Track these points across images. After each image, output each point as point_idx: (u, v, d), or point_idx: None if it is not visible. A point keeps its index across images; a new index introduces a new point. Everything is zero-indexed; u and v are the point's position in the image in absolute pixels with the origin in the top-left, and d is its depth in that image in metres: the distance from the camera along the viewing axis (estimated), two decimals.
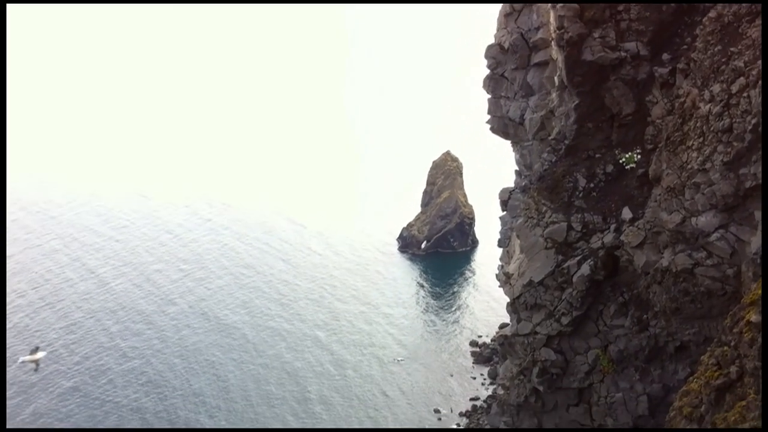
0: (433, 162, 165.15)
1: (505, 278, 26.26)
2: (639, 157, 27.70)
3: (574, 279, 24.11)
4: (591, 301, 24.14)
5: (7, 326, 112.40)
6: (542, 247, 25.52)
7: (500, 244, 32.75)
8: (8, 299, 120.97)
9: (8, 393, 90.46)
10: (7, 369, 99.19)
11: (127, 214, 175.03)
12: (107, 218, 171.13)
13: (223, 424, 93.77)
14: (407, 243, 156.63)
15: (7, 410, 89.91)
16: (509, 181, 38.41)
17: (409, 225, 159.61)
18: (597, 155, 27.88)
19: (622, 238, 24.62)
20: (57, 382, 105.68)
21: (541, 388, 22.46)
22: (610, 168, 27.33)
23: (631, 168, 27.58)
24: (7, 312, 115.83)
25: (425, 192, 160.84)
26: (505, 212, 33.32)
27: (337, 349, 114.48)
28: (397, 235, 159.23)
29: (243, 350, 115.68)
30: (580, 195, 26.63)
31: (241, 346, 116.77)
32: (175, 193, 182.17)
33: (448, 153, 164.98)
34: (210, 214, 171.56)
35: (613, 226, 25.27)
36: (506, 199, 33.07)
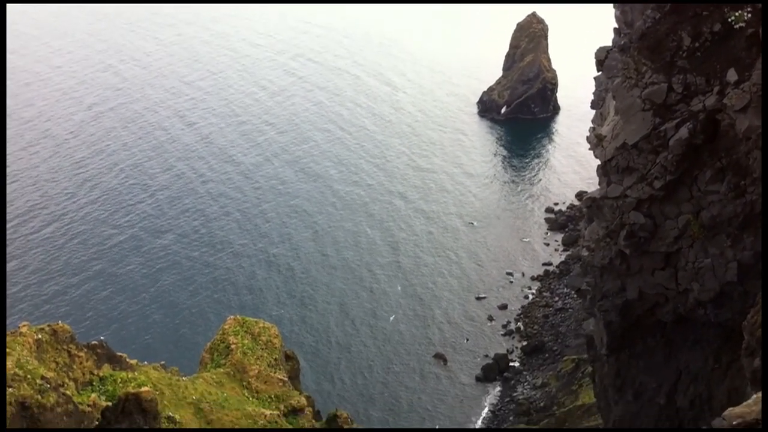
0: (518, 24, 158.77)
1: (596, 140, 25.63)
2: (749, 16, 26.03)
3: (671, 142, 23.36)
4: (686, 166, 23.46)
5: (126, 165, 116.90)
6: (639, 108, 24.64)
7: (593, 105, 31.79)
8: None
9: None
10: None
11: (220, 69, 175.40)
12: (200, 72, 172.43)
13: (300, 276, 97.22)
14: (487, 107, 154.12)
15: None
16: (596, 45, 36.99)
17: (490, 89, 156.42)
18: (704, 13, 26.29)
19: (725, 101, 23.51)
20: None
21: (627, 251, 22.33)
22: (717, 27, 25.81)
23: (740, 28, 26.00)
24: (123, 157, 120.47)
25: (508, 55, 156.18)
26: (600, 72, 32.12)
27: (417, 213, 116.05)
28: (477, 99, 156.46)
29: (330, 204, 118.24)
30: (684, 55, 25.35)
31: (328, 200, 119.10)
32: (270, 49, 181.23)
33: (533, 14, 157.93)
34: (303, 72, 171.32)
35: (716, 89, 24.12)
36: (603, 59, 31.75)
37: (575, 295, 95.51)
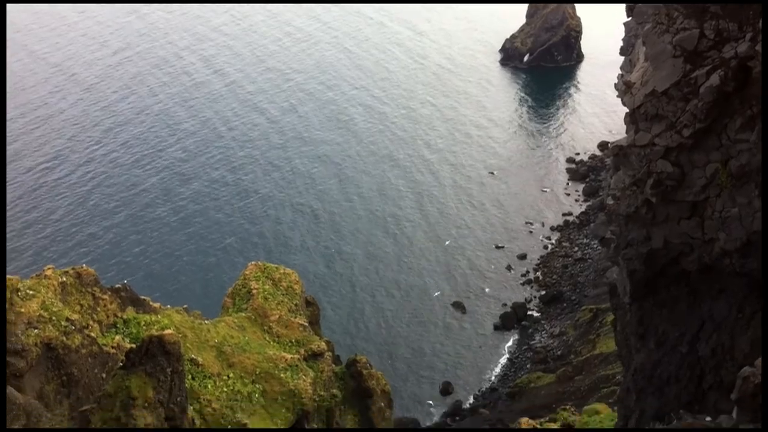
0: None
1: (625, 88, 25.18)
2: None
3: (701, 90, 22.87)
4: (716, 114, 22.99)
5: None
6: (670, 55, 24.11)
7: (622, 52, 31.12)
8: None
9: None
10: None
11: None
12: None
13: (325, 222, 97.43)
14: (510, 55, 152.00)
15: None
16: None
17: (513, 36, 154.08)
18: None
19: (758, 48, 22.89)
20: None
21: (653, 200, 22.06)
22: None
23: None
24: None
25: (531, 2, 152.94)
26: (630, 18, 31.36)
27: (439, 160, 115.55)
28: (500, 47, 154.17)
29: (355, 151, 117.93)
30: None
31: (353, 147, 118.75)
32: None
33: None
34: (327, 18, 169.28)
35: (749, 35, 23.47)
36: (633, 4, 30.96)
37: (595, 246, 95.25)
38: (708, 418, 11.71)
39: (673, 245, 21.08)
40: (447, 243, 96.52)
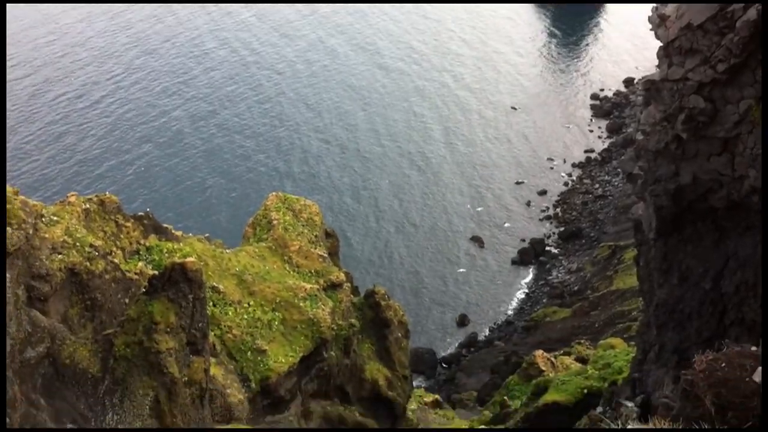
0: None
1: (659, 20, 24.46)
2: None
3: (738, 24, 22.17)
4: (752, 49, 22.35)
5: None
6: None
7: None
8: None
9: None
10: None
11: None
12: None
13: (351, 153, 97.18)
14: None
15: None
16: None
17: None
18: None
19: None
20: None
21: (684, 136, 21.67)
22: None
23: None
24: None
25: None
26: None
27: (464, 94, 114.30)
28: None
29: (381, 84, 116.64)
30: None
31: (379, 79, 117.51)
32: None
33: None
34: None
35: None
36: None
37: (616, 183, 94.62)
38: (754, 348, 11.72)
39: (701, 182, 20.76)
40: (468, 177, 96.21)
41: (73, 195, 36.08)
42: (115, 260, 36.10)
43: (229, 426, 39.90)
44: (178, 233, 43.19)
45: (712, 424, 7.34)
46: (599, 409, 20.18)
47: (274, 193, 52.64)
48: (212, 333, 40.24)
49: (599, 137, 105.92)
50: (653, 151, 22.18)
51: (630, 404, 18.67)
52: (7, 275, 26.72)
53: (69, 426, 34.61)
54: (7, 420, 23.60)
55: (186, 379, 35.21)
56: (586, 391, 31.78)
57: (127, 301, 36.46)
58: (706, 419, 9.98)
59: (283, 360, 43.49)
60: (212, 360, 38.04)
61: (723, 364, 10.82)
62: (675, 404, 12.07)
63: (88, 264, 34.06)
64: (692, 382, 11.05)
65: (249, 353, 42.51)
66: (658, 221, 20.78)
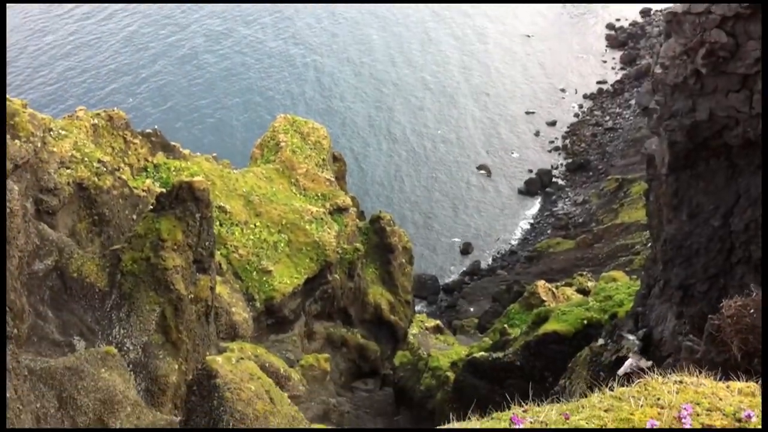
0: None
1: None
2: None
3: None
4: None
5: None
6: None
7: None
8: None
9: None
10: None
11: None
12: None
13: (366, 78, 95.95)
14: None
15: None
16: None
17: None
18: None
19: None
20: None
21: (703, 71, 21.22)
22: None
23: None
24: None
25: None
26: None
27: (481, 21, 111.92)
28: None
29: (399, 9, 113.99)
30: None
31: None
32: None
33: None
34: None
35: None
36: None
37: (627, 116, 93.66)
38: None
39: (718, 118, 20.46)
40: (478, 104, 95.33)
41: (81, 109, 35.90)
42: (123, 176, 36.16)
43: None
44: (186, 152, 43.15)
45: (737, 370, 7.37)
46: (600, 341, 20.42)
47: (282, 115, 52.29)
48: (218, 252, 40.57)
49: (612, 68, 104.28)
50: (671, 85, 21.79)
51: (632, 337, 18.87)
52: (15, 188, 26.76)
53: (76, 338, 35.30)
54: (15, 331, 23.95)
55: (192, 296, 35.69)
56: (586, 322, 32.05)
57: (134, 217, 36.67)
58: (731, 365, 9.96)
59: (288, 281, 44.02)
60: (218, 279, 38.50)
61: (752, 311, 10.69)
62: (700, 348, 12.07)
63: (96, 179, 34.11)
64: (719, 327, 11.01)
65: (254, 273, 42.98)
66: (671, 157, 20.58)
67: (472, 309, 67.66)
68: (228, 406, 22.70)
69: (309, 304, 46.77)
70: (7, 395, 18.72)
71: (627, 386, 16.81)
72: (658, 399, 4.36)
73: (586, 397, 17.98)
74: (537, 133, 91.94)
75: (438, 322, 53.49)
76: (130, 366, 32.30)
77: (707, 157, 21.18)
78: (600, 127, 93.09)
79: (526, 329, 35.41)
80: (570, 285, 52.99)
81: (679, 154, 21.16)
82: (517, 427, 4.07)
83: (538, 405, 4.65)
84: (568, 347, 31.47)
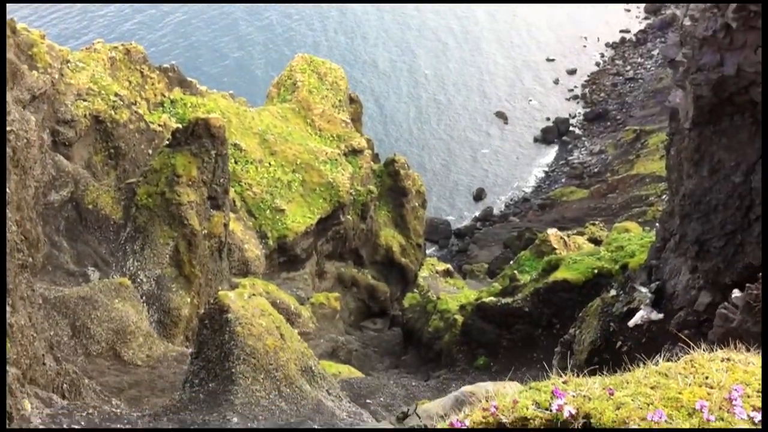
0: None
1: None
2: None
3: None
4: None
5: None
6: None
7: None
8: None
9: None
10: None
11: None
12: None
13: (389, 24, 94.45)
14: None
15: None
16: None
17: None
18: None
19: None
20: None
21: (733, 25, 20.75)
22: None
23: None
24: None
25: None
26: None
27: None
28: None
29: None
30: None
31: None
32: None
33: None
34: None
35: None
36: None
37: (648, 66, 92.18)
38: None
39: (745, 74, 20.09)
40: (498, 51, 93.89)
41: (99, 42, 35.63)
42: (140, 111, 36.07)
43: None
44: (203, 88, 42.91)
45: None
46: (613, 292, 20.46)
47: (300, 55, 51.71)
48: (233, 189, 40.70)
49: (636, 17, 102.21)
50: (699, 38, 21.35)
51: (644, 290, 18.90)
52: (33, 118, 26.72)
53: (90, 269, 35.73)
54: (30, 259, 24.19)
55: (206, 231, 35.95)
56: (596, 271, 32.07)
57: (150, 152, 36.70)
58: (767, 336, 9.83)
59: (301, 220, 44.20)
60: (232, 215, 38.70)
61: None
62: (735, 317, 11.97)
63: (112, 112, 34.04)
64: (757, 297, 10.89)
65: (268, 211, 43.14)
66: (695, 111, 20.30)
67: (482, 254, 67.87)
68: (239, 341, 23.01)
69: (321, 244, 47.04)
70: (21, 323, 19.02)
71: (638, 335, 16.65)
72: (707, 378, 4.29)
73: (594, 346, 17.91)
74: (556, 81, 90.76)
75: (448, 266, 53.75)
76: (143, 298, 32.76)
77: (731, 113, 20.86)
78: (620, 77, 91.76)
79: (536, 276, 35.54)
80: (582, 234, 52.95)
81: (704, 109, 20.84)
82: (559, 401, 4.04)
83: (578, 375, 4.59)
84: (577, 296, 31.62)
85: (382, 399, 27.43)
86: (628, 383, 4.22)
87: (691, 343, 5.33)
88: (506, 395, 4.41)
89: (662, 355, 5.07)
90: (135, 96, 36.69)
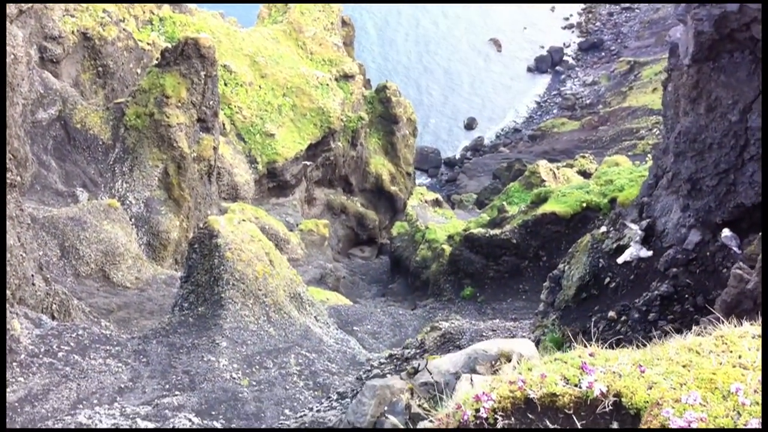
0: None
1: None
2: None
3: None
4: None
5: None
6: None
7: None
8: None
9: None
10: None
11: None
12: None
13: None
14: None
15: None
16: None
17: None
18: None
19: None
20: None
21: None
22: None
23: None
24: None
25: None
26: None
27: None
28: None
29: None
30: None
31: None
32: None
33: None
34: None
35: None
36: None
37: None
38: None
39: (748, 10, 19.66)
40: None
41: None
42: (128, 28, 35.22)
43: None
44: (192, 7, 41.85)
45: None
46: (603, 228, 20.46)
47: None
48: (222, 112, 40.16)
49: None
50: None
51: (635, 227, 18.88)
52: (20, 34, 26.06)
53: (79, 189, 35.48)
54: (18, 178, 23.94)
55: (195, 155, 35.64)
56: (585, 205, 32.10)
57: (139, 71, 36.02)
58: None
59: (291, 145, 43.86)
60: (221, 139, 38.30)
61: None
62: (751, 278, 11.90)
63: (100, 30, 33.24)
64: None
65: (258, 136, 42.74)
66: (695, 47, 19.92)
67: (471, 184, 67.92)
68: (228, 266, 23.09)
69: (311, 170, 46.83)
70: (10, 242, 18.92)
71: (627, 272, 16.60)
72: (740, 357, 4.17)
73: (583, 282, 17.95)
74: (552, 9, 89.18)
75: (437, 195, 53.77)
76: (132, 220, 32.67)
77: (731, 50, 20.57)
78: (617, 6, 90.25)
79: (524, 208, 35.58)
80: (571, 166, 52.91)
81: (704, 45, 20.49)
82: (589, 378, 3.94)
83: (604, 347, 4.47)
84: (565, 229, 31.74)
85: (369, 326, 27.76)
86: (659, 360, 4.11)
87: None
88: (533, 366, 4.33)
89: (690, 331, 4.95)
90: (123, 13, 35.77)
